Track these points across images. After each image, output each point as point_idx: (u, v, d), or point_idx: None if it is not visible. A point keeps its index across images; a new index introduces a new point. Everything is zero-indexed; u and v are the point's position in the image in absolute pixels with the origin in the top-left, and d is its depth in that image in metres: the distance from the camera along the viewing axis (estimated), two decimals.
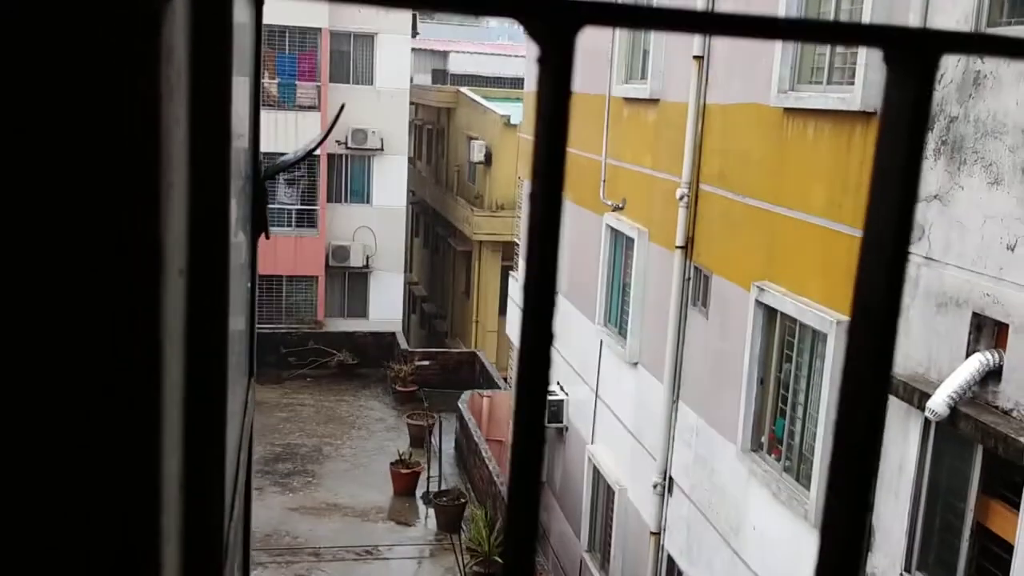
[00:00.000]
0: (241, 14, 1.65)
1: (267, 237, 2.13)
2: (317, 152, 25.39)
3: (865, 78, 7.46)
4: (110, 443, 0.60)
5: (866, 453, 0.46)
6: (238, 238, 1.80)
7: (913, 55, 0.42)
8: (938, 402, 6.23)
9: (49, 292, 0.56)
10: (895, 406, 7.04)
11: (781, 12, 8.69)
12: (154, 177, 0.57)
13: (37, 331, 0.57)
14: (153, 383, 0.62)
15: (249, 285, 2.09)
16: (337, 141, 26.25)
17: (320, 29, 25.68)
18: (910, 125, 0.42)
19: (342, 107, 3.66)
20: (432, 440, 18.82)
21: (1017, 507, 5.99)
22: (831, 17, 8.26)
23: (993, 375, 6.15)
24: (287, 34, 25.66)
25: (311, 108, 25.75)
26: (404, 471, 17.83)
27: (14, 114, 0.52)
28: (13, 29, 0.51)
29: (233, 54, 1.43)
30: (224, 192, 0.99)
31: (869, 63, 7.42)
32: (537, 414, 0.43)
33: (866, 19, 7.46)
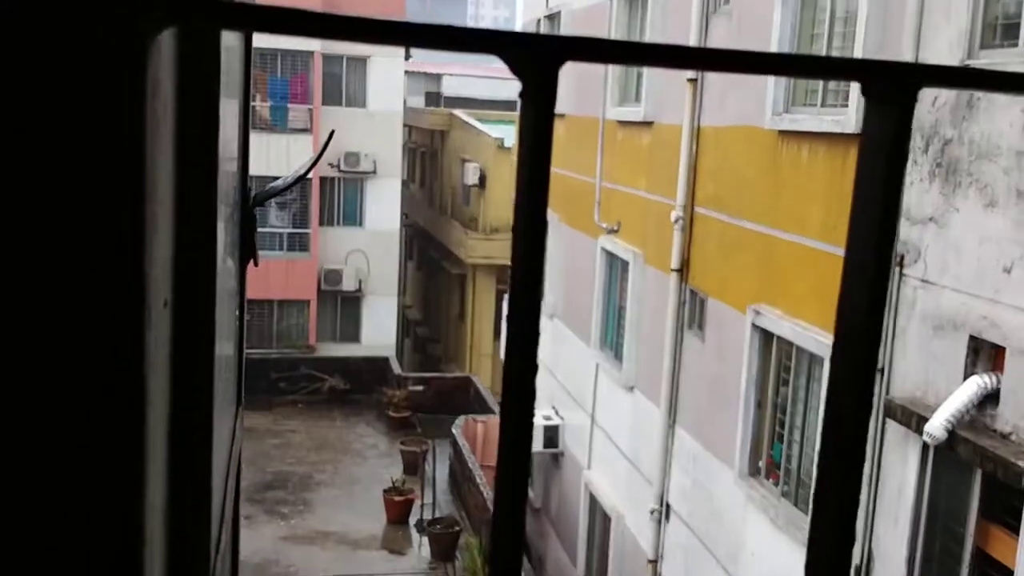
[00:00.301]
0: (230, 38, 1.62)
1: (255, 264, 2.08)
2: (309, 176, 25.38)
3: (859, 101, 7.44)
4: (92, 476, 0.61)
5: (851, 472, 0.47)
6: (226, 265, 1.75)
7: (892, 88, 0.42)
8: (936, 426, 6.18)
9: (31, 324, 0.57)
10: (893, 430, 6.98)
11: (774, 38, 8.71)
12: (138, 210, 0.57)
13: (19, 361, 0.57)
14: (136, 416, 0.62)
15: (237, 312, 2.04)
16: (330, 164, 26.26)
17: (312, 52, 25.76)
18: (889, 157, 0.43)
19: (331, 134, 3.63)
20: (426, 467, 18.69)
21: (1017, 532, 5.92)
22: (824, 39, 8.27)
23: (991, 398, 6.11)
24: (279, 57, 25.72)
25: (303, 131, 25.77)
26: (397, 498, 17.69)
27: None
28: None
29: (221, 79, 1.39)
30: (211, 222, 0.97)
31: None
32: (523, 436, 0.43)
33: (859, 42, 7.47)
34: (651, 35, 11.58)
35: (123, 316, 0.58)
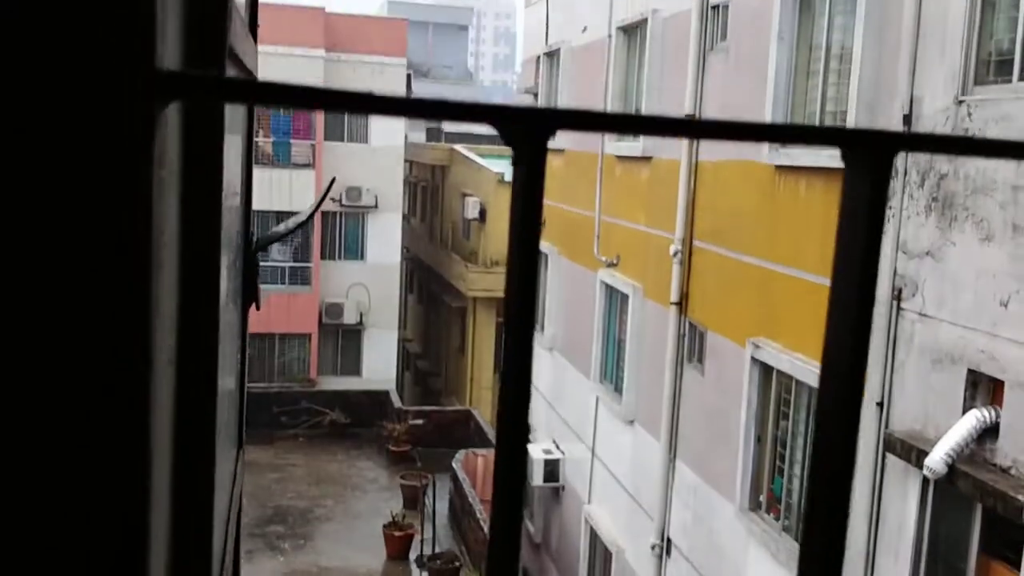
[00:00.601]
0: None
1: (257, 307, 2.11)
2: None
3: None
4: (97, 524, 0.61)
5: (838, 505, 0.48)
6: (228, 310, 1.78)
7: (869, 155, 0.44)
8: (936, 460, 6.18)
9: (38, 383, 0.58)
10: (893, 464, 6.97)
11: (770, 75, 8.80)
12: (145, 277, 0.59)
13: (25, 416, 0.58)
14: (141, 470, 0.62)
15: (239, 355, 2.06)
16: (332, 198, 26.37)
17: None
18: (868, 219, 0.45)
19: (332, 180, 3.70)
20: (426, 501, 18.59)
21: (1018, 567, 5.90)
22: (820, 76, 8.36)
23: (990, 432, 6.11)
24: None
25: (306, 166, 25.93)
26: (397, 533, 17.58)
27: (6, 209, 0.55)
28: (11, 131, 0.53)
29: (225, 122, 1.43)
30: (214, 278, 0.99)
31: (859, 121, 7.49)
32: (518, 466, 0.44)
33: (855, 78, 7.55)
34: (649, 72, 11.69)
35: (128, 377, 0.59)
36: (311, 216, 3.11)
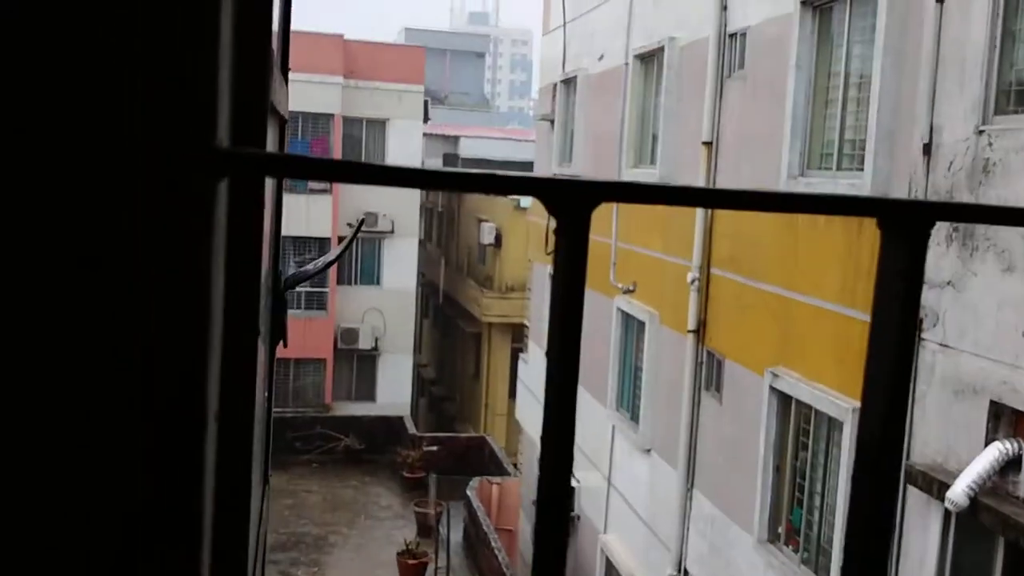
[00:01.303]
0: (270, 142, 1.67)
1: (285, 346, 2.11)
2: (328, 235, 25.59)
3: (875, 164, 7.49)
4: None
5: (881, 540, 0.47)
6: (259, 350, 1.78)
7: (907, 225, 0.45)
8: (958, 492, 6.09)
9: (102, 441, 0.61)
10: (914, 496, 6.88)
11: (788, 103, 8.79)
12: (203, 340, 0.62)
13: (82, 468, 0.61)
14: (194, 525, 0.65)
15: (266, 394, 2.05)
16: (348, 224, 26.49)
17: (332, 115, 26.15)
18: (906, 286, 0.45)
19: (362, 220, 3.71)
20: (440, 529, 18.48)
21: None
22: (839, 104, 8.34)
23: (1013, 464, 6.03)
24: (300, 119, 26.12)
25: (323, 192, 26.06)
26: (411, 562, 17.47)
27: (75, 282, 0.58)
28: (90, 205, 0.57)
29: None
30: (254, 333, 1.02)
31: (878, 150, 7.46)
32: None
33: (873, 108, 7.53)
34: (666, 99, 11.71)
35: (184, 433, 0.62)
36: (341, 255, 3.12)
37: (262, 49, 1.00)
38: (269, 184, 1.61)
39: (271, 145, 1.49)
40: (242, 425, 1.01)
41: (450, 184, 0.38)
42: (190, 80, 0.57)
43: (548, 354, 0.40)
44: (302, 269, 2.86)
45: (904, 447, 0.47)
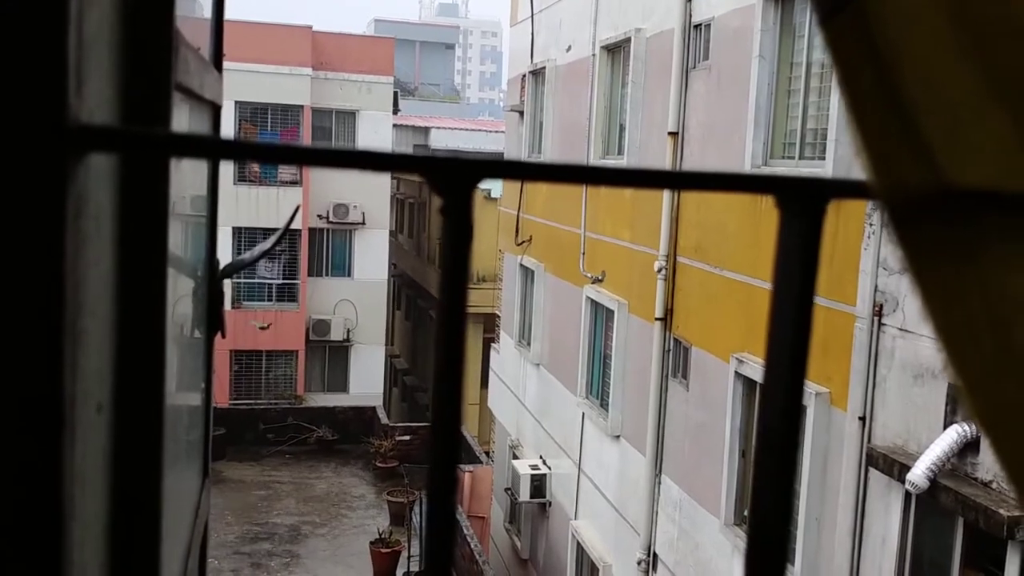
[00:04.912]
0: (197, 127, 1.68)
1: (223, 336, 2.13)
2: (299, 227, 25.50)
3: (836, 153, 7.61)
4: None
5: (784, 489, 0.48)
6: (193, 338, 1.79)
7: (803, 202, 0.46)
8: (918, 474, 6.23)
9: None
10: (876, 478, 7.02)
11: (752, 93, 8.89)
12: (56, 326, 0.57)
13: None
14: (55, 535, 0.59)
15: (204, 384, 2.07)
16: (319, 215, 26.38)
17: (302, 107, 26.00)
18: (802, 263, 0.47)
19: (297, 208, 3.73)
20: (413, 517, 18.53)
21: None
22: (801, 94, 8.46)
23: (972, 446, 6.16)
24: (269, 111, 25.96)
25: (293, 183, 25.93)
26: (384, 550, 17.52)
27: None
28: None
29: (186, 164, 1.45)
30: (160, 319, 0.99)
31: (839, 138, 7.58)
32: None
33: (835, 96, 7.65)
34: (632, 90, 11.79)
35: (41, 440, 0.57)
36: (277, 243, 3.16)
37: (160, 30, 0.97)
38: (191, 168, 1.61)
39: (189, 129, 1.49)
40: (148, 415, 0.99)
41: (328, 161, 0.41)
42: (33, 53, 0.54)
43: (436, 334, 0.42)
44: (239, 258, 2.90)
45: (801, 425, 0.51)
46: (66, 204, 0.55)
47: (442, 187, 0.41)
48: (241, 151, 0.40)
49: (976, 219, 0.40)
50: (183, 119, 1.38)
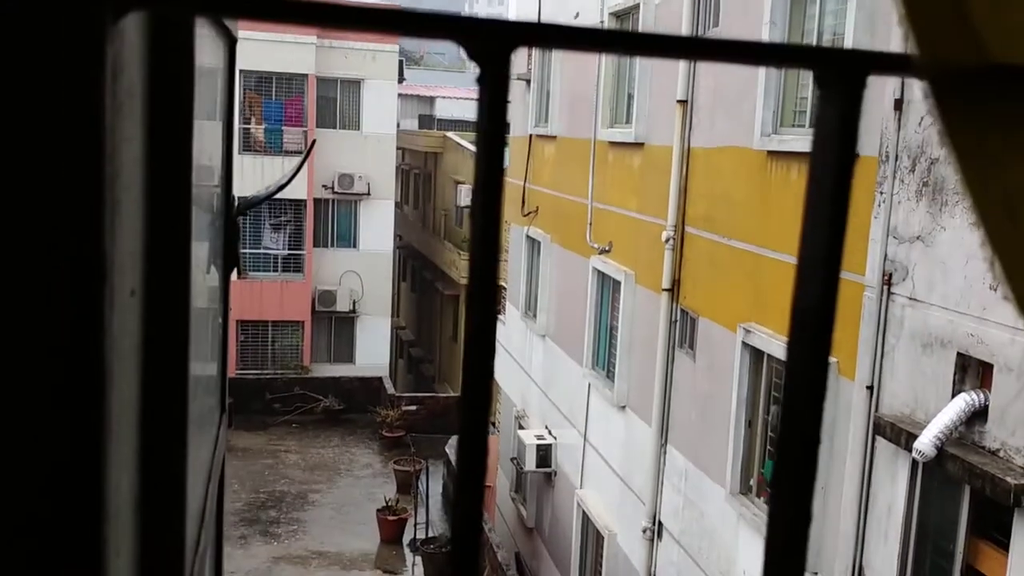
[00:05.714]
0: (212, 58, 1.66)
1: (239, 275, 2.12)
2: (304, 197, 25.44)
3: None
4: (51, 466, 0.58)
5: (808, 462, 0.47)
6: (210, 274, 1.78)
7: (841, 75, 0.44)
8: (925, 443, 6.22)
9: None
10: (883, 447, 7.02)
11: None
12: (96, 191, 0.57)
13: None
14: (97, 404, 0.59)
15: (221, 321, 2.07)
16: (324, 186, 26.32)
17: (306, 76, 25.87)
18: (840, 144, 0.44)
19: (313, 143, 3.74)
20: (419, 486, 18.64)
21: (1006, 549, 5.96)
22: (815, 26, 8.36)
23: (979, 415, 6.15)
24: (273, 80, 25.83)
25: (298, 153, 25.84)
26: (391, 518, 17.64)
27: None
28: None
29: (203, 92, 1.43)
30: (185, 212, 0.99)
31: None
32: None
33: (849, 31, 7.57)
34: (641, 58, 11.69)
35: (84, 300, 0.57)
36: (291, 179, 3.15)
37: None
38: (213, 97, 1.59)
39: (210, 61, 1.47)
40: (174, 307, 0.97)
41: (361, 23, 0.39)
42: None
43: (470, 208, 0.40)
44: (254, 195, 2.90)
45: (835, 318, 0.49)
46: (105, 63, 0.54)
47: (478, 53, 0.38)
48: (275, 8, 0.38)
49: (1020, 94, 0.41)
50: (205, 49, 1.36)
